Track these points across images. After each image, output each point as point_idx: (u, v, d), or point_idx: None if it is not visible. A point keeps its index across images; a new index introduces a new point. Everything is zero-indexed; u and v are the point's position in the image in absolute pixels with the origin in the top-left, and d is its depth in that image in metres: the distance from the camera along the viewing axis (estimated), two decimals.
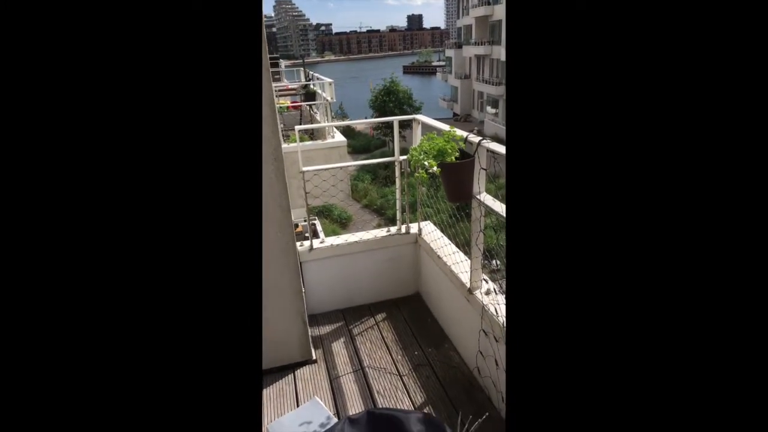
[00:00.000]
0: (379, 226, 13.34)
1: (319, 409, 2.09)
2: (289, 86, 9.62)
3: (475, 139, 1.93)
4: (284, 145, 2.02)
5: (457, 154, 1.95)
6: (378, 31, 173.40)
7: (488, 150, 1.86)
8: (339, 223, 13.84)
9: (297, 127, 2.60)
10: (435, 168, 1.93)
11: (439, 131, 2.11)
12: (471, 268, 2.17)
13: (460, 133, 2.02)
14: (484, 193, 1.98)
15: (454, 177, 1.95)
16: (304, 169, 2.60)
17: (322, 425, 1.97)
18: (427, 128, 2.55)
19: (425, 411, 2.04)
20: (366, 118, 25.65)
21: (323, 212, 13.28)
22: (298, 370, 2.40)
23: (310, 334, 2.44)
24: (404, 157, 2.65)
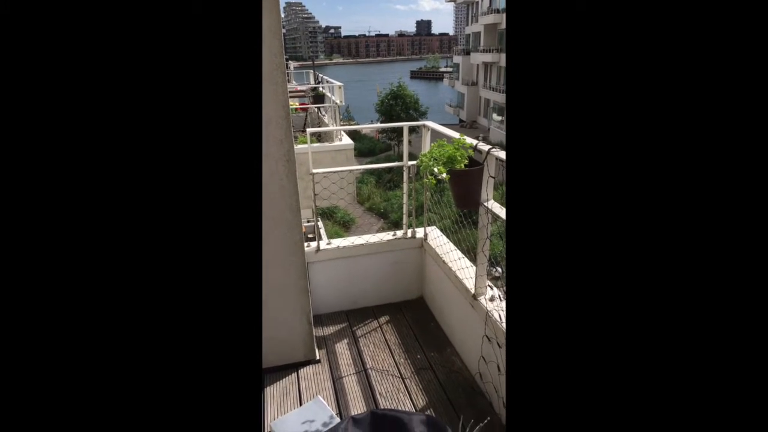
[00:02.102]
0: (382, 229, 13.36)
1: (323, 408, 2.11)
2: (298, 88, 9.70)
3: (484, 147, 1.96)
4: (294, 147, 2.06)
5: (467, 161, 1.99)
6: (387, 35, 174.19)
7: (497, 158, 1.89)
8: (342, 225, 13.87)
9: (309, 130, 2.64)
10: (444, 174, 1.97)
11: (449, 138, 2.15)
12: (476, 274, 2.20)
13: (469, 141, 2.06)
14: (492, 201, 2.01)
15: (463, 184, 1.98)
16: (314, 171, 2.64)
17: (324, 424, 1.99)
18: (435, 134, 2.58)
19: (427, 413, 2.06)
20: (372, 121, 25.74)
21: (326, 214, 13.32)
22: (302, 370, 2.43)
23: (314, 334, 2.47)
24: (412, 162, 2.68)
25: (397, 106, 22.05)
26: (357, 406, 2.18)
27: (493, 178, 1.95)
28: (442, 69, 71.79)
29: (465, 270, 2.43)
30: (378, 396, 2.24)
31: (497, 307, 2.07)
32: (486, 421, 1.87)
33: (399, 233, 2.99)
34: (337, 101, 7.26)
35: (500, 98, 24.84)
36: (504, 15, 24.49)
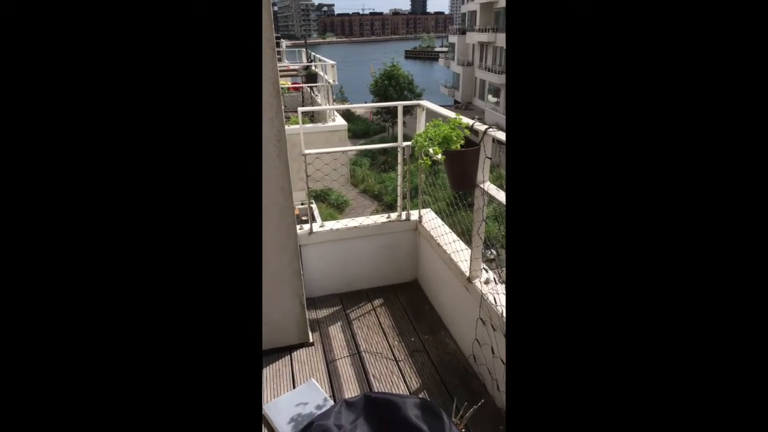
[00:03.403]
0: (376, 211, 13.32)
1: (316, 391, 2.10)
2: (291, 67, 9.49)
3: (481, 127, 1.91)
4: (285, 127, 2.00)
5: (462, 142, 1.93)
6: (381, 13, 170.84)
7: (494, 139, 1.84)
8: (336, 207, 13.81)
9: (300, 109, 2.57)
10: (440, 155, 1.91)
11: (445, 118, 2.09)
12: (471, 257, 2.17)
13: (465, 120, 2.00)
14: (488, 183, 1.97)
15: (459, 165, 1.94)
16: (307, 152, 2.57)
17: (318, 407, 1.98)
18: (431, 114, 2.52)
19: (421, 396, 2.06)
20: (365, 102, 25.41)
21: (320, 196, 13.23)
22: (295, 352, 2.42)
23: (307, 317, 2.45)
24: (407, 143, 2.63)
25: (390, 86, 21.71)
26: (350, 389, 2.18)
27: (490, 159, 1.91)
28: (438, 49, 70.77)
29: (460, 253, 2.41)
30: (372, 379, 2.24)
31: (492, 290, 2.05)
32: (480, 404, 1.87)
33: (393, 216, 2.96)
34: (330, 80, 7.11)
35: (496, 79, 24.57)
36: None
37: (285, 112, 2.14)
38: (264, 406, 2.04)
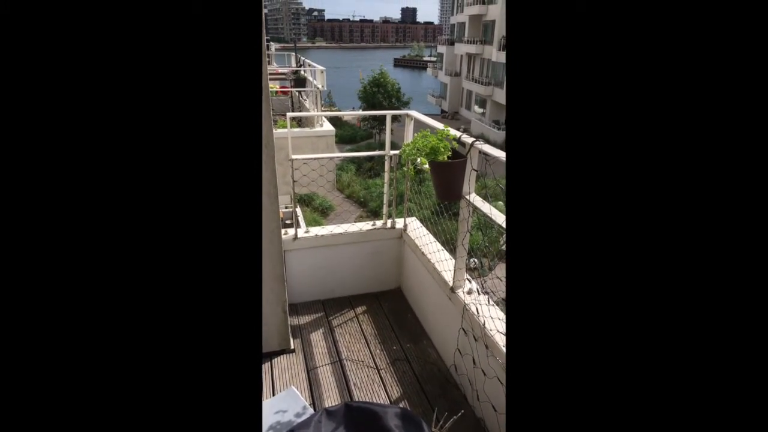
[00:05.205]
0: (360, 218, 13.28)
1: (296, 398, 2.08)
2: (279, 70, 9.45)
3: (468, 139, 1.94)
4: (273, 131, 1.99)
5: (450, 153, 1.96)
6: (371, 21, 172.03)
7: (480, 151, 1.87)
8: (320, 212, 13.73)
9: (289, 114, 2.57)
10: (427, 165, 1.93)
11: (433, 129, 2.11)
12: (455, 267, 2.19)
13: (453, 132, 2.03)
14: (474, 194, 1.99)
15: (446, 176, 1.96)
16: (294, 157, 2.56)
17: (297, 414, 1.96)
18: (419, 124, 2.54)
19: (401, 406, 2.06)
20: (354, 108, 25.46)
21: (304, 200, 13.14)
22: (276, 359, 2.39)
23: (289, 323, 2.43)
24: (394, 151, 2.64)
25: (378, 94, 21.82)
26: (331, 397, 2.16)
27: (476, 171, 1.93)
28: (426, 58, 71.50)
29: (444, 262, 2.42)
30: (353, 387, 2.22)
31: (475, 300, 2.07)
32: (459, 414, 1.88)
33: (378, 223, 2.96)
34: (319, 86, 7.11)
35: (482, 90, 24.90)
36: (489, 6, 24.44)
37: (273, 115, 2.14)
38: None
